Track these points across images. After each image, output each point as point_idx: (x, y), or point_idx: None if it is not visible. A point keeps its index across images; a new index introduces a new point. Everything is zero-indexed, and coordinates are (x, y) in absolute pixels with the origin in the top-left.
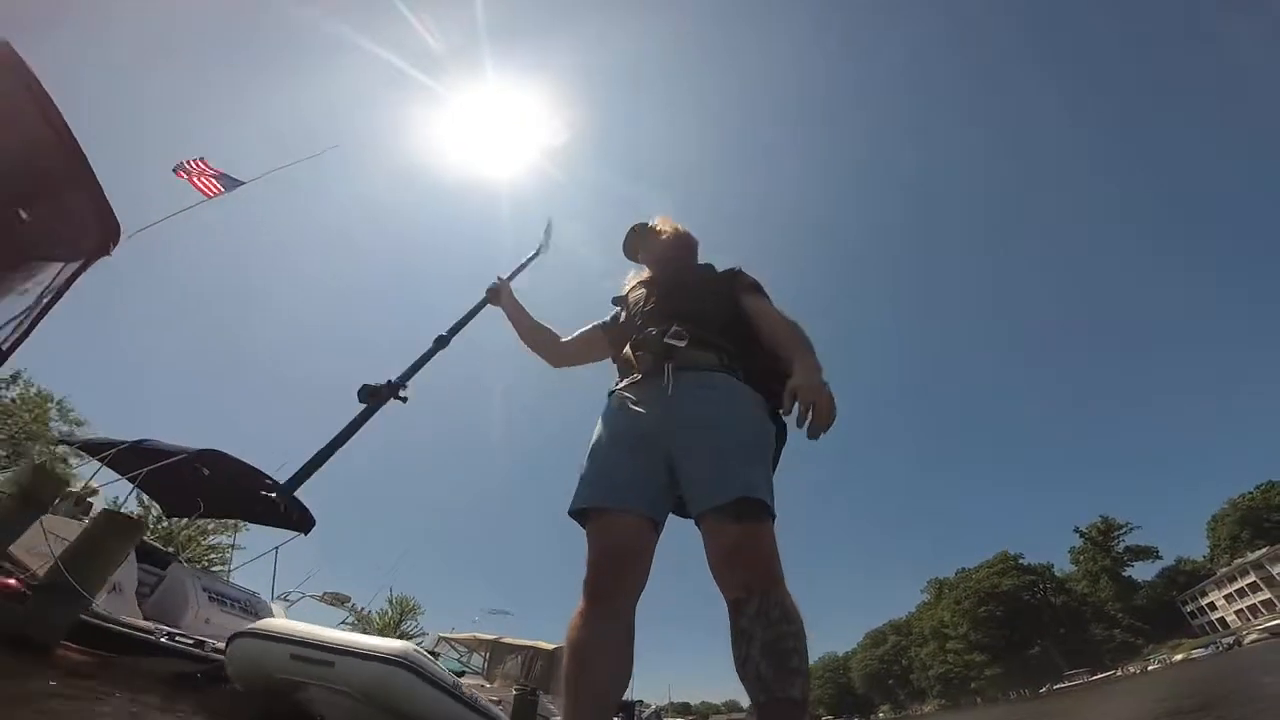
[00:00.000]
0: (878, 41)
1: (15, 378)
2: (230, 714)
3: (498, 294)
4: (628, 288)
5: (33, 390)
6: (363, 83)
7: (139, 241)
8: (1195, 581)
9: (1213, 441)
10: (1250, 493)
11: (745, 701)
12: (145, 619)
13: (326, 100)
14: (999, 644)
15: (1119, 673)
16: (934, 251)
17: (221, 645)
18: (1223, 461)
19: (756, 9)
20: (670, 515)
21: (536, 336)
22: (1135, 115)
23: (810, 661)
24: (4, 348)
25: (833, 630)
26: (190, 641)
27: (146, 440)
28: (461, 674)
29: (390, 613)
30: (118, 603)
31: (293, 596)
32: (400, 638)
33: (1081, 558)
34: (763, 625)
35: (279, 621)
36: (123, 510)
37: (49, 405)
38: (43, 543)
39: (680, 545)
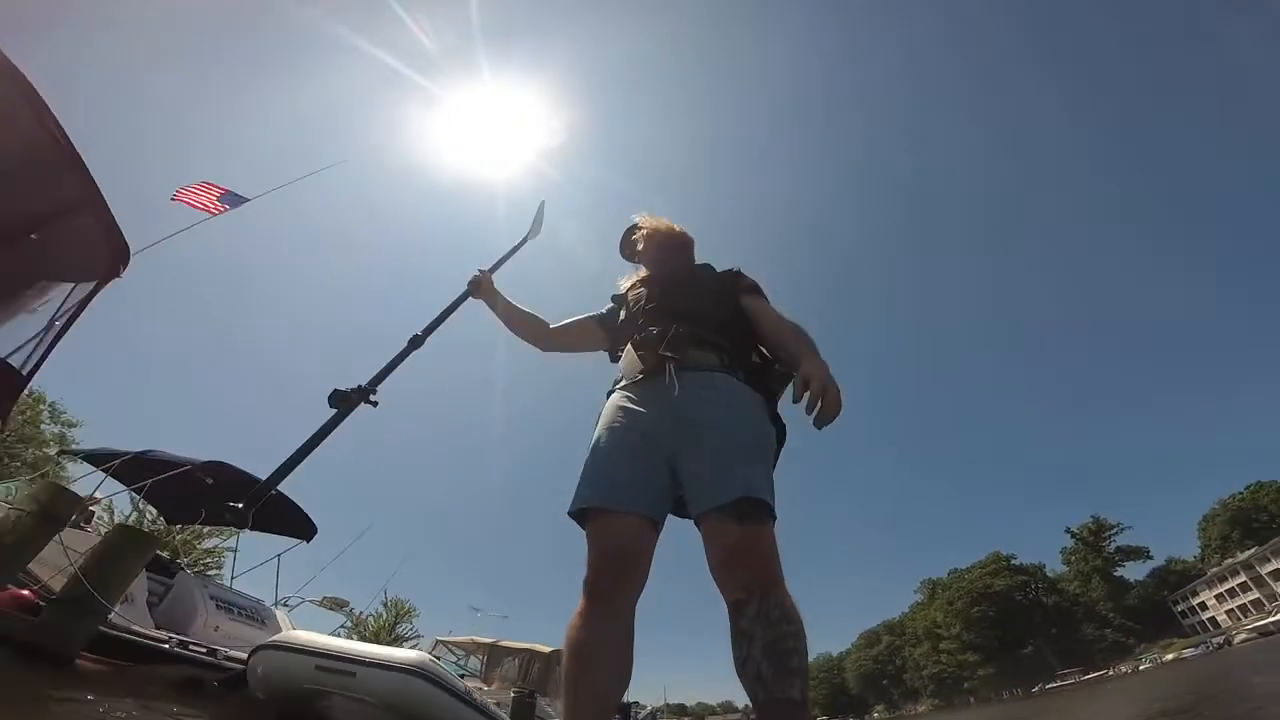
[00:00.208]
0: (875, 41)
1: None
2: None
3: (478, 286)
4: (626, 286)
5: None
6: (359, 84)
7: (137, 243)
8: (1186, 581)
9: (1203, 442)
10: (1240, 493)
11: (740, 702)
12: (156, 628)
13: (324, 101)
14: (992, 644)
15: (1110, 672)
16: (930, 252)
17: (233, 653)
18: (1212, 462)
19: (753, 9)
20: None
21: (523, 324)
22: (1134, 115)
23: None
24: (24, 370)
25: (827, 630)
26: (203, 650)
27: (151, 451)
28: (461, 677)
29: (385, 615)
30: (130, 613)
31: (292, 601)
32: (395, 640)
33: (1073, 558)
34: (763, 626)
35: (302, 634)
36: (116, 514)
37: (40, 407)
38: (50, 554)
39: (676, 547)
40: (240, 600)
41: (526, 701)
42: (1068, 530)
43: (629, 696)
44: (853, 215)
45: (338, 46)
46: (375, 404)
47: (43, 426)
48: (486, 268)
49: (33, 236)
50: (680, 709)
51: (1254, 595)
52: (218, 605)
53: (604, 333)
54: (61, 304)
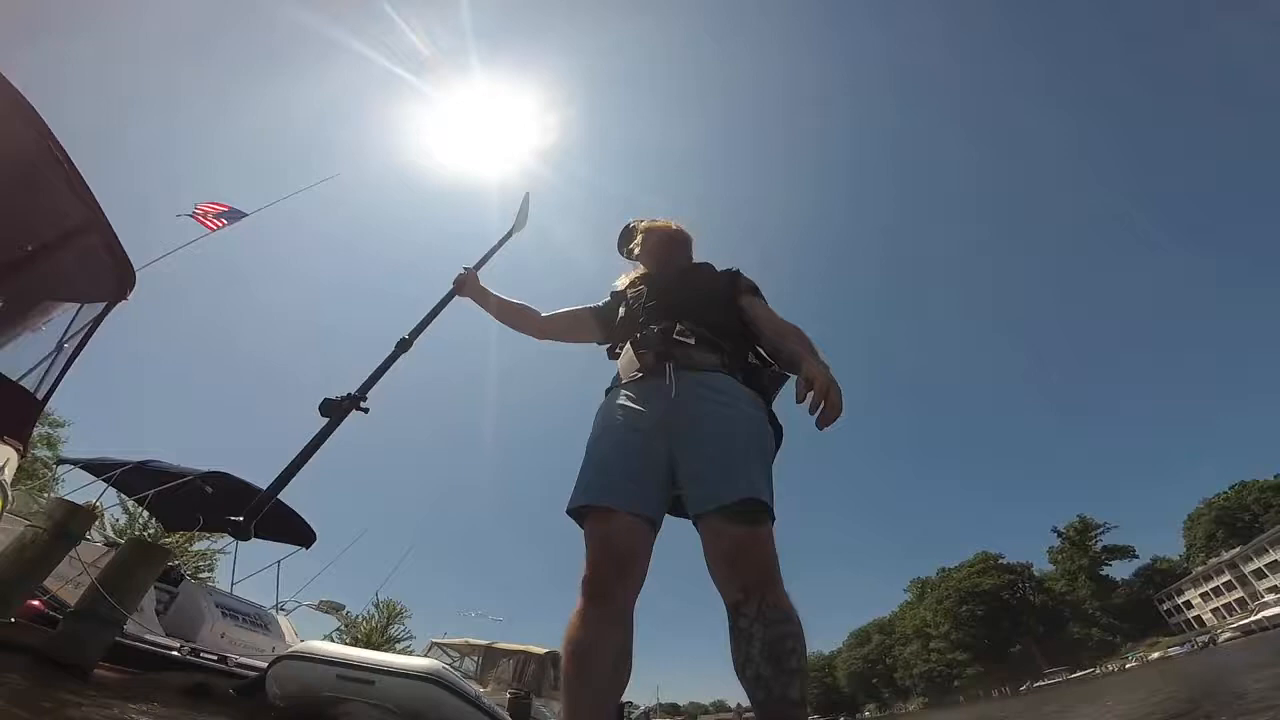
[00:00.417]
0: (872, 42)
1: None
2: None
3: (464, 284)
4: (625, 283)
5: None
6: (349, 83)
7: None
8: (1171, 580)
9: (1187, 442)
10: (1225, 493)
11: (733, 701)
12: (166, 635)
13: (313, 101)
14: (980, 643)
15: (1097, 671)
16: (924, 252)
17: (244, 660)
18: (1197, 462)
19: (749, 9)
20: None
21: (514, 316)
22: (1131, 113)
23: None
24: (40, 394)
25: (818, 630)
26: (215, 657)
27: (151, 461)
28: None
29: (376, 617)
30: (141, 622)
31: (289, 606)
32: (387, 642)
33: (1060, 557)
34: (762, 626)
35: (321, 644)
36: (108, 520)
37: None
38: (60, 566)
39: (670, 547)
40: (244, 607)
41: (522, 702)
42: (1054, 529)
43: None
44: (846, 215)
45: (326, 45)
46: (366, 410)
47: None
48: (471, 265)
49: (33, 255)
50: (673, 708)
51: (1238, 594)
52: (223, 613)
53: (599, 325)
54: (69, 325)
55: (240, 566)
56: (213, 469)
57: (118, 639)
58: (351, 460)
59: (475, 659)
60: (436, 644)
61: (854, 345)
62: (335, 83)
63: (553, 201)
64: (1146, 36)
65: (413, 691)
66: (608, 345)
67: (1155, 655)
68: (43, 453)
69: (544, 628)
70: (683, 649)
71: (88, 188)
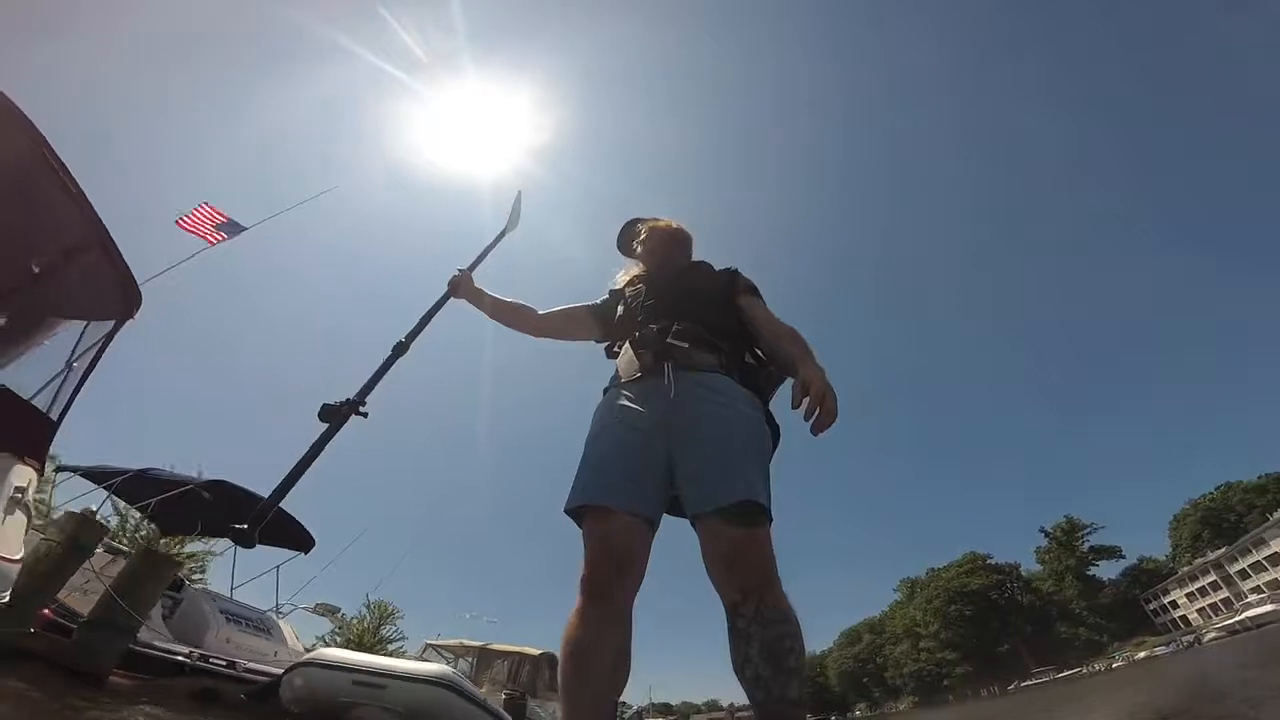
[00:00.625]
0: (868, 40)
1: None
2: None
3: (459, 286)
4: (623, 282)
5: None
6: (344, 85)
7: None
8: (1158, 580)
9: (1173, 443)
10: (1210, 493)
11: (725, 701)
12: (174, 642)
13: (309, 102)
14: (969, 642)
15: (1084, 670)
16: (916, 252)
17: (252, 665)
18: (1183, 463)
19: (744, 8)
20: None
21: (509, 315)
22: (1125, 111)
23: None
24: (54, 416)
25: (809, 629)
26: (223, 663)
27: (151, 469)
28: None
29: (368, 618)
30: (149, 629)
31: (285, 609)
32: (379, 642)
33: (1047, 557)
34: (760, 626)
35: (335, 651)
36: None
37: None
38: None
39: (663, 546)
40: (247, 613)
41: (518, 702)
42: (1042, 530)
43: None
44: (841, 214)
45: (318, 47)
46: (365, 415)
47: None
48: (465, 267)
49: (39, 273)
50: (666, 708)
51: (1223, 594)
52: (227, 618)
53: (597, 323)
54: (76, 343)
55: (237, 570)
56: (212, 477)
57: (130, 646)
58: (347, 461)
59: (470, 660)
60: (431, 645)
61: (849, 345)
62: (328, 84)
63: (546, 200)
64: (1146, 36)
65: (424, 695)
66: (606, 344)
67: (1141, 655)
68: None
69: (541, 627)
70: (676, 648)
71: (92, 207)
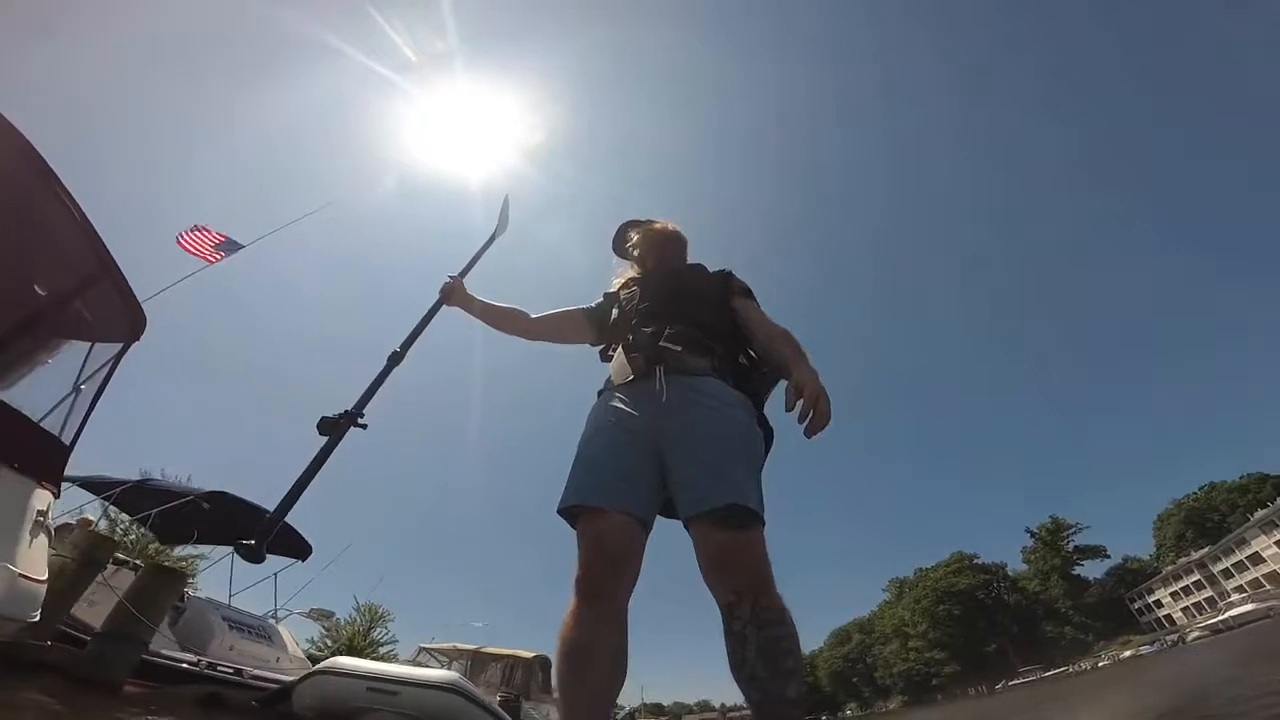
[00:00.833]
0: (864, 40)
1: None
2: None
3: (451, 293)
4: (618, 284)
5: None
6: (335, 87)
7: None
8: (1142, 579)
9: (1157, 443)
10: (1194, 493)
11: (717, 701)
12: (181, 650)
13: (299, 102)
14: (957, 642)
15: (1070, 669)
16: (918, 253)
17: (258, 672)
18: (1167, 463)
19: (738, 10)
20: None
21: (502, 320)
22: (1123, 112)
23: None
24: (66, 441)
25: (800, 629)
26: (230, 670)
27: (149, 480)
28: None
29: (359, 620)
30: (162, 637)
31: (280, 615)
32: (369, 646)
33: (1033, 557)
34: (755, 628)
35: (349, 660)
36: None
37: None
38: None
39: (652, 547)
40: (249, 620)
41: (512, 703)
42: (1027, 530)
43: None
44: (835, 215)
45: (308, 49)
46: (364, 426)
47: None
48: (456, 273)
49: (42, 294)
50: (658, 708)
51: (1207, 593)
52: (230, 626)
53: (591, 327)
54: (82, 365)
55: (224, 575)
56: (212, 489)
57: (142, 656)
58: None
59: (464, 664)
60: (425, 649)
61: (843, 345)
62: (319, 85)
63: (540, 201)
64: (1146, 36)
65: (435, 700)
66: (600, 347)
67: (1127, 654)
68: None
69: (538, 628)
70: (667, 649)
71: (96, 233)
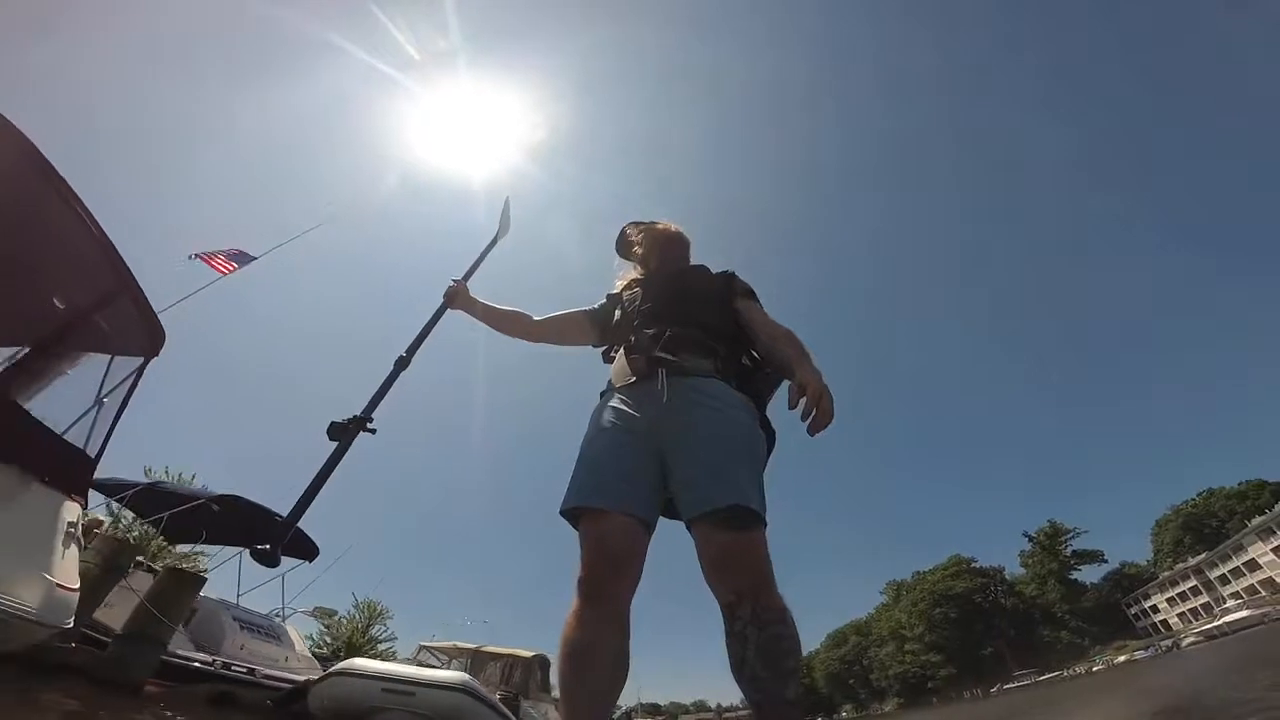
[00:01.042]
0: (864, 40)
1: None
2: None
3: (454, 297)
4: (620, 285)
5: None
6: (338, 87)
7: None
8: (1139, 584)
9: (1158, 449)
10: (1193, 499)
11: (713, 702)
12: (196, 650)
13: (302, 101)
14: (953, 645)
15: (1065, 673)
16: (918, 254)
17: (270, 671)
18: (1166, 468)
19: (740, 9)
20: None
21: (504, 322)
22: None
23: None
24: (92, 454)
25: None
26: (244, 670)
27: (161, 483)
28: None
29: (357, 618)
30: (181, 637)
31: (285, 613)
32: (368, 643)
33: (1031, 561)
34: (756, 629)
35: (364, 661)
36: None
37: None
38: None
39: (651, 548)
40: (258, 620)
41: (512, 702)
42: (1025, 534)
43: None
44: (835, 215)
45: (310, 48)
46: (373, 431)
47: None
48: (459, 277)
49: (62, 307)
50: (654, 708)
51: (1204, 599)
52: (241, 626)
53: (594, 328)
54: (103, 378)
55: (224, 573)
56: (222, 493)
57: (161, 657)
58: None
59: (464, 662)
60: (425, 647)
61: (844, 346)
62: (322, 83)
63: (543, 199)
64: (1146, 36)
65: (447, 700)
66: (603, 348)
67: (1121, 659)
68: None
69: (537, 628)
70: (665, 649)
71: (115, 250)
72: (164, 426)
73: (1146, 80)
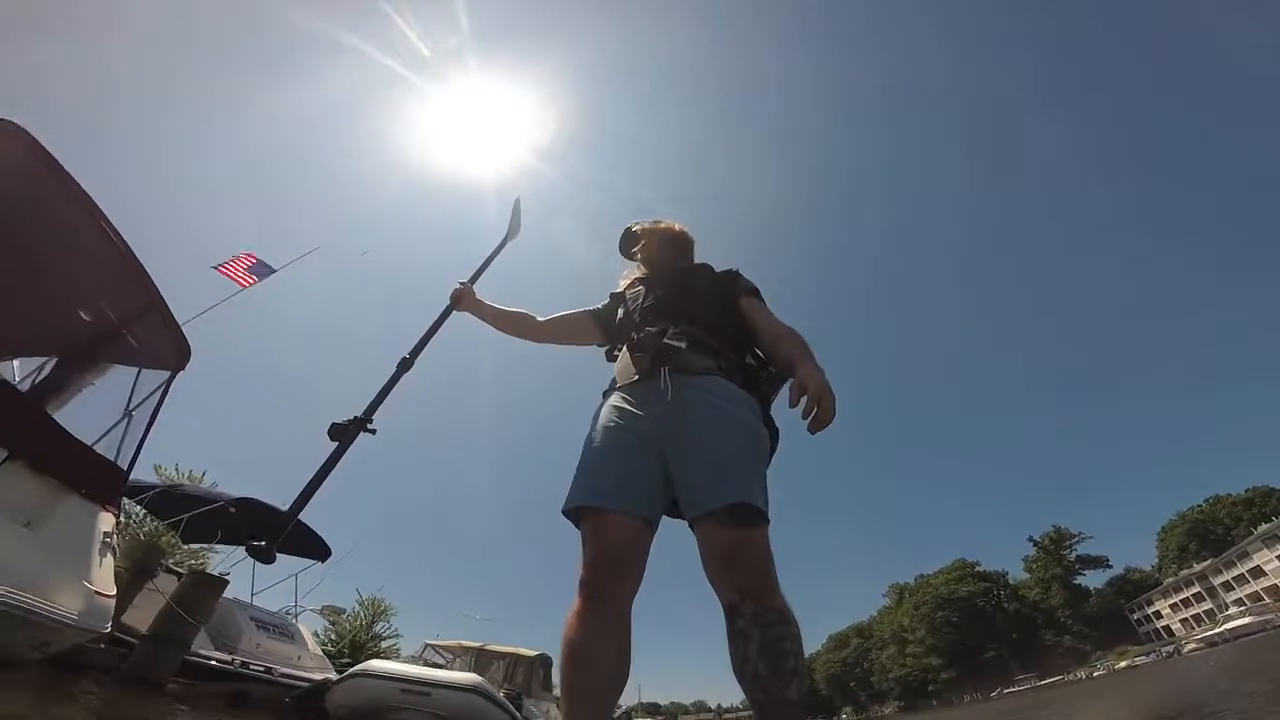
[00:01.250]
0: (870, 42)
1: None
2: None
3: (460, 298)
4: (625, 284)
5: None
6: (350, 86)
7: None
8: (1143, 590)
9: (1164, 455)
10: (1199, 506)
11: (713, 702)
12: (215, 649)
13: (314, 100)
14: (955, 648)
15: (1066, 678)
16: (919, 255)
17: (287, 670)
18: (1180, 472)
19: (747, 11)
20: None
21: (510, 323)
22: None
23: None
24: (124, 466)
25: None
26: (262, 669)
27: (177, 485)
28: None
29: (361, 615)
30: (206, 636)
31: (295, 611)
32: (372, 640)
33: (1035, 565)
34: (758, 628)
35: (382, 663)
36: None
37: None
38: None
39: (654, 547)
40: (272, 619)
41: (514, 700)
42: (1030, 538)
43: None
44: (838, 215)
45: (320, 47)
46: (374, 432)
47: None
48: (466, 278)
49: (91, 322)
50: (654, 708)
51: (1207, 605)
52: (257, 625)
53: (598, 328)
54: (131, 390)
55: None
56: (244, 496)
57: (184, 656)
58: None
59: (468, 661)
60: (431, 646)
61: (845, 347)
62: (332, 82)
63: (553, 197)
64: (1146, 36)
65: (462, 700)
66: (606, 348)
67: (1122, 664)
68: None
69: (539, 627)
70: (664, 648)
71: (141, 265)
72: (173, 426)
73: (1146, 80)
